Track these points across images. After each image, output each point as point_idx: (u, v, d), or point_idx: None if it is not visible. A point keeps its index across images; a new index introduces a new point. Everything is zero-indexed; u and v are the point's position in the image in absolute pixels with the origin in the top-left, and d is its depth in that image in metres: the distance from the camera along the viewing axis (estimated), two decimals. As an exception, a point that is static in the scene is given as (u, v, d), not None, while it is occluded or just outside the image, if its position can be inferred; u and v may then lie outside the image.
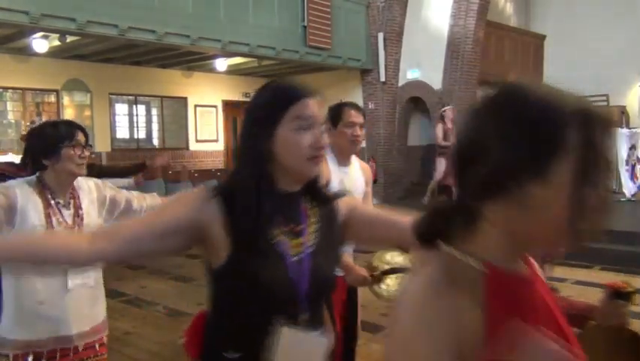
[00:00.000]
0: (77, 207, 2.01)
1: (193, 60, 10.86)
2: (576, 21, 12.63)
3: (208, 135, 12.67)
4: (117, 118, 11.39)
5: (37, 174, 1.96)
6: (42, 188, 1.95)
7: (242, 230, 1.18)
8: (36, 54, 9.31)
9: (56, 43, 8.79)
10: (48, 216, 1.91)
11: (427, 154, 10.55)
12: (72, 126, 2.04)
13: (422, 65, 10.54)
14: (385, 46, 10.66)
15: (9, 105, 10.08)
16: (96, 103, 10.80)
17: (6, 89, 9.93)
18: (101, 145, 10.67)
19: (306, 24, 9.59)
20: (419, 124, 11.27)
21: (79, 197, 2.04)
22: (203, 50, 9.31)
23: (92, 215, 2.05)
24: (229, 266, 1.20)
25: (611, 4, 12.08)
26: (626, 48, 11.88)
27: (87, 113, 10.74)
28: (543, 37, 13.90)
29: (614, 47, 11.93)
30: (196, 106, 12.45)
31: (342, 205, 1.36)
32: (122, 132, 11.50)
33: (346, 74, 11.29)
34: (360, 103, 11.26)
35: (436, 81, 10.41)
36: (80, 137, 2.01)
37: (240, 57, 10.59)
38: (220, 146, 12.96)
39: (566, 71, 12.74)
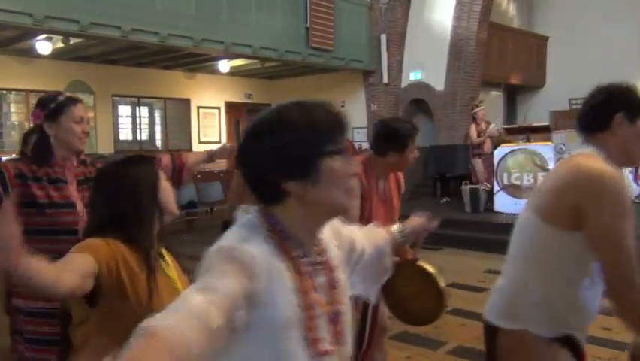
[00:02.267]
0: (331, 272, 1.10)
1: (196, 62, 10.88)
2: (579, 22, 12.61)
3: (211, 137, 12.68)
4: (120, 120, 11.41)
5: (261, 209, 1.06)
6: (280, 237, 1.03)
7: None
8: (39, 56, 9.34)
9: (60, 45, 8.83)
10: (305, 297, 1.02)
11: (430, 155, 10.54)
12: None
13: (425, 66, 10.54)
14: (388, 47, 10.67)
15: (12, 107, 10.11)
16: (99, 105, 10.82)
17: (9, 90, 9.97)
18: (104, 147, 10.70)
19: (308, 25, 9.60)
20: (422, 126, 11.26)
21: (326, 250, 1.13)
22: (206, 52, 9.32)
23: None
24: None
25: (613, 5, 12.06)
26: (629, 49, 11.86)
27: (90, 114, 10.73)
28: (546, 38, 13.88)
29: (617, 48, 11.91)
30: (199, 107, 12.47)
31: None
32: (125, 134, 11.52)
33: (349, 75, 11.29)
34: (363, 105, 11.27)
35: (438, 83, 10.40)
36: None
37: (243, 59, 10.61)
38: (223, 147, 12.96)
39: (569, 72, 12.73)
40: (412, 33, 10.79)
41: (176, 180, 2.41)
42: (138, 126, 11.71)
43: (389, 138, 2.49)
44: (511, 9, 13.89)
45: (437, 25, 10.45)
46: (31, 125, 2.23)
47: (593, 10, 12.35)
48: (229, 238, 1.01)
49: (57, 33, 7.75)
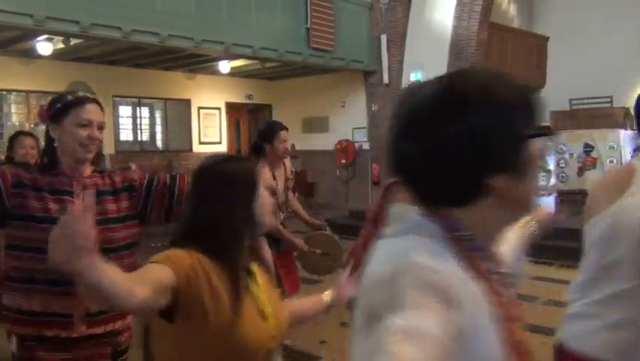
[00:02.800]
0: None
1: (196, 62, 10.88)
2: (579, 22, 12.60)
3: (211, 137, 12.69)
4: (121, 120, 11.41)
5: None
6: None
7: None
8: (40, 56, 9.34)
9: (60, 45, 8.83)
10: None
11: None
12: None
13: (425, 66, 10.52)
14: (388, 48, 10.66)
15: (13, 107, 10.11)
16: (100, 105, 10.82)
17: (10, 91, 9.97)
18: (105, 147, 10.69)
19: (309, 26, 9.60)
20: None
21: None
22: (207, 52, 9.33)
23: None
24: None
25: (614, 5, 12.05)
26: (630, 49, 11.85)
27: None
28: (546, 38, 13.87)
29: (618, 48, 11.90)
30: (199, 108, 12.47)
31: None
32: (126, 135, 11.53)
33: (349, 75, 11.29)
34: (364, 105, 11.27)
35: (439, 83, 10.38)
36: None
37: (243, 59, 10.61)
38: (223, 148, 12.96)
39: (569, 73, 12.72)
40: (413, 33, 10.78)
41: (173, 211, 1.95)
42: (139, 127, 11.71)
43: None
44: (512, 9, 13.88)
45: (437, 26, 10.45)
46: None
47: (594, 11, 12.34)
48: (412, 252, 0.74)
49: (57, 34, 7.75)
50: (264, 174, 3.26)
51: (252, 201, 1.40)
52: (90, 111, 1.79)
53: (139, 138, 11.70)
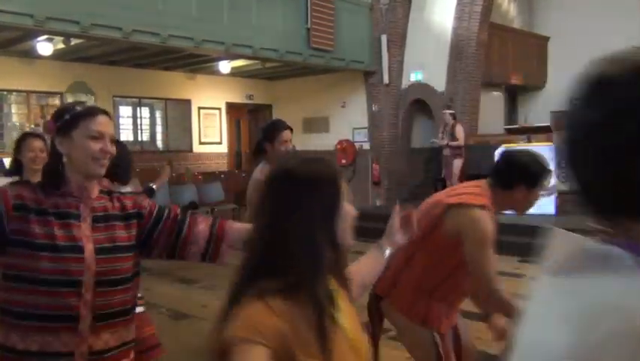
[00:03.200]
0: None
1: (196, 62, 10.89)
2: (580, 22, 12.60)
3: (212, 137, 12.69)
4: (121, 120, 11.41)
5: None
6: None
7: None
8: (40, 57, 9.35)
9: (61, 45, 8.84)
10: None
11: (431, 156, 10.54)
12: None
13: (426, 67, 10.53)
14: (389, 48, 10.67)
15: (13, 108, 10.13)
16: (100, 105, 10.78)
17: (10, 91, 9.98)
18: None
19: (309, 26, 9.60)
20: (423, 126, 11.27)
21: None
22: (207, 53, 9.33)
23: None
24: None
25: (614, 4, 12.05)
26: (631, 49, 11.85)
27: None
28: (547, 38, 13.88)
29: (618, 49, 11.89)
30: (200, 108, 12.47)
31: None
32: (126, 135, 11.53)
33: (349, 76, 11.29)
34: (364, 105, 11.28)
35: (439, 83, 10.40)
36: None
37: (244, 59, 10.61)
38: (224, 148, 12.97)
39: (570, 73, 12.71)
40: (413, 34, 10.79)
41: (211, 255, 1.75)
42: (139, 127, 11.72)
43: (522, 171, 2.23)
44: (512, 9, 13.88)
45: (438, 26, 10.45)
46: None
47: (594, 11, 12.34)
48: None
49: (58, 34, 7.76)
50: (262, 174, 3.05)
51: (334, 215, 1.12)
52: (102, 123, 1.62)
53: (139, 138, 11.71)
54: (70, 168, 1.60)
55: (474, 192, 2.25)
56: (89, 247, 1.56)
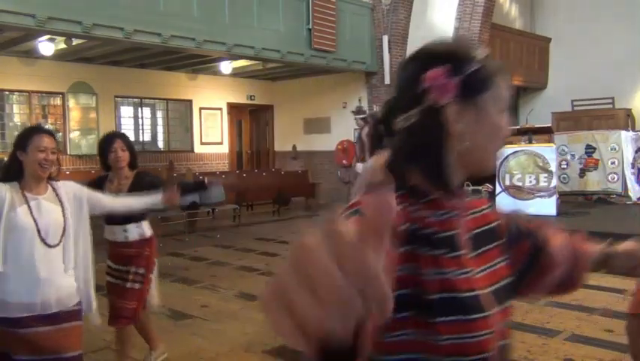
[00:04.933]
0: None
1: (198, 63, 10.90)
2: (581, 24, 12.60)
3: (213, 138, 12.70)
4: (122, 120, 11.43)
5: None
6: None
7: None
8: (42, 57, 9.37)
9: (62, 46, 8.85)
10: None
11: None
12: None
13: (427, 67, 10.52)
14: (390, 48, 10.67)
15: (15, 108, 10.14)
16: (102, 106, 10.84)
17: (12, 91, 9.99)
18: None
19: (311, 27, 9.61)
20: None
21: None
22: (209, 53, 9.34)
23: None
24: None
25: (616, 6, 12.04)
26: (632, 50, 11.84)
27: (92, 115, 10.78)
28: (548, 39, 13.87)
29: (620, 50, 11.89)
30: (201, 108, 12.49)
31: None
32: (128, 135, 11.53)
33: (351, 76, 11.30)
34: (366, 106, 11.27)
35: (440, 84, 10.38)
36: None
37: (245, 60, 10.62)
38: (225, 148, 12.98)
39: (571, 74, 12.72)
40: (414, 34, 10.78)
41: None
42: (140, 127, 11.73)
43: None
44: (514, 11, 13.88)
45: (439, 27, 10.45)
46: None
47: (595, 12, 12.34)
48: None
49: (60, 34, 7.77)
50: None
51: None
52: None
53: (140, 139, 11.72)
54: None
55: None
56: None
